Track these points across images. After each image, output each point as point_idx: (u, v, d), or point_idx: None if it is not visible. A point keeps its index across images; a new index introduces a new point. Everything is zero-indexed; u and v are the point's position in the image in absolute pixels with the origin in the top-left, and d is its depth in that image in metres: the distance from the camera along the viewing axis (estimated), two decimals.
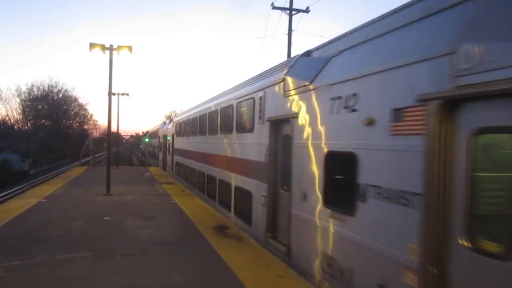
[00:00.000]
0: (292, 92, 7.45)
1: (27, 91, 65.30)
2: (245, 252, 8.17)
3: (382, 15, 5.68)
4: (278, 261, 7.55)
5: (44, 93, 67.67)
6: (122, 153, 44.43)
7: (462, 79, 3.76)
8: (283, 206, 8.03)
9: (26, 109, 64.44)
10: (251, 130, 9.84)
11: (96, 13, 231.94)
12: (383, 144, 4.81)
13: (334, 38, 6.99)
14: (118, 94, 32.73)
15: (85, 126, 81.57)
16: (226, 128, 12.24)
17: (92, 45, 15.70)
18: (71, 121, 75.88)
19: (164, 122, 38.82)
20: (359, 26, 6.27)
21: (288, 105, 7.60)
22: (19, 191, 22.72)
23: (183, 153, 20.88)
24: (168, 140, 27.64)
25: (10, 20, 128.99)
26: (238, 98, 11.12)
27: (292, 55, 16.86)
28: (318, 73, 6.65)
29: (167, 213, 12.34)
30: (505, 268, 3.29)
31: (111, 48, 15.93)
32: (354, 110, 5.47)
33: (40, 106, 66.77)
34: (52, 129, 65.46)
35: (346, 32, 6.66)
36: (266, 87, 8.92)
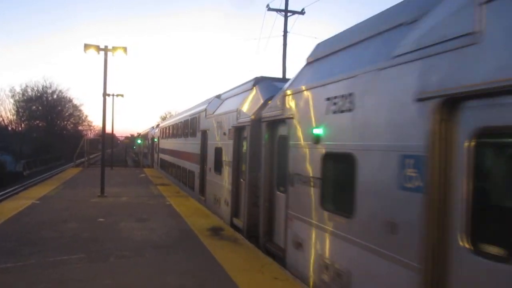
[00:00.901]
0: (208, 116, 14.50)
1: (21, 92, 64.94)
2: (240, 254, 8.16)
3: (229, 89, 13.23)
4: (273, 263, 7.55)
5: (39, 94, 67.31)
6: (116, 154, 44.26)
7: None
8: (207, 177, 14.42)
9: (20, 110, 63.98)
10: (194, 135, 17.16)
11: (93, 13, 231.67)
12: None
13: (226, 90, 14.27)
14: (113, 95, 32.64)
15: (80, 127, 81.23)
16: (184, 134, 20.18)
17: (86, 46, 15.65)
18: (65, 122, 75.51)
19: (153, 127, 45.02)
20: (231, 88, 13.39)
21: (207, 123, 14.59)
22: (12, 193, 22.52)
23: (163, 150, 29.29)
24: (155, 141, 35.62)
25: (7, 20, 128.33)
26: (190, 116, 18.75)
27: (287, 56, 20.61)
28: (217, 108, 13.65)
29: (162, 215, 12.31)
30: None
31: (105, 49, 15.88)
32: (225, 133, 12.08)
33: (34, 107, 66.37)
34: (47, 130, 65.10)
35: (231, 88, 13.58)
36: (200, 112, 16.12)
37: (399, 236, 4.33)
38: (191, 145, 17.78)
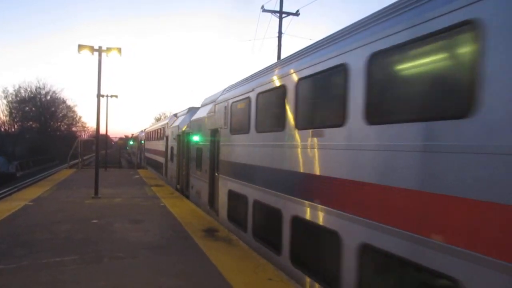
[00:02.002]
0: (168, 127, 23.78)
1: (14, 93, 64.55)
2: (234, 255, 8.16)
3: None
4: (267, 264, 7.56)
5: (32, 95, 66.99)
6: (110, 155, 44.08)
7: None
8: (168, 164, 24.06)
9: (13, 110, 63.69)
10: (162, 139, 26.50)
11: (90, 14, 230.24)
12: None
13: (178, 112, 23.87)
14: (107, 96, 32.48)
15: (74, 128, 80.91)
16: (158, 137, 29.51)
17: (80, 47, 15.59)
18: (59, 123, 75.13)
19: (142, 131, 51.50)
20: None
21: (168, 131, 23.96)
22: (5, 194, 22.34)
23: (147, 150, 38.60)
24: (142, 143, 45.68)
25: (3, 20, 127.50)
26: (160, 126, 28.66)
27: (282, 57, 20.73)
28: (172, 123, 22.93)
29: (156, 216, 12.27)
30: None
31: (100, 50, 15.82)
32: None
33: (27, 108, 66.04)
34: (40, 131, 64.69)
35: (180, 111, 22.98)
36: (164, 124, 26.10)
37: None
38: (161, 145, 27.35)
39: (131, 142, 64.94)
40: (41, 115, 67.37)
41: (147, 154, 37.98)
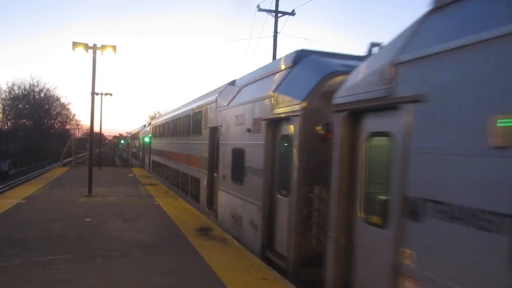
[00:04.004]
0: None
1: (7, 90, 64.01)
2: (228, 254, 8.14)
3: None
4: (261, 263, 7.55)
5: (26, 92, 66.44)
6: (104, 154, 43.86)
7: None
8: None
9: (6, 108, 63.12)
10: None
11: (85, 13, 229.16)
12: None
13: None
14: (102, 94, 32.31)
15: (68, 126, 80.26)
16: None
17: (75, 44, 15.48)
18: (53, 121, 74.57)
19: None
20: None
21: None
22: None
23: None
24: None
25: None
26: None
27: (277, 57, 19.22)
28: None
29: (150, 215, 12.22)
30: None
31: (94, 47, 15.72)
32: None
33: (21, 105, 65.49)
34: (33, 129, 64.21)
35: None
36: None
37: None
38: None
39: (122, 141, 64.01)
40: (34, 112, 66.86)
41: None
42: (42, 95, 69.28)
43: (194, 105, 15.80)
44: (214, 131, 12.19)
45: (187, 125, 16.65)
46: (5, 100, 63.16)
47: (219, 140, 11.46)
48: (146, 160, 33.01)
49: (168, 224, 10.91)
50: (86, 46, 15.62)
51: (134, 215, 12.01)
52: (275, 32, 22.27)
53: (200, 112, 14.25)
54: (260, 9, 22.16)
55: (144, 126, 41.01)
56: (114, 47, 15.87)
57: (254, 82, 9.96)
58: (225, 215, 10.57)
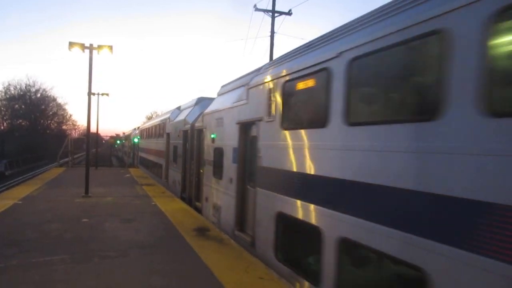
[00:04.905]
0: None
1: (3, 90, 63.71)
2: (225, 254, 8.16)
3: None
4: (258, 262, 7.58)
5: (22, 93, 66.06)
6: (101, 154, 43.78)
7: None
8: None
9: (2, 108, 62.81)
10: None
11: (83, 14, 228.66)
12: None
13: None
14: (98, 94, 32.22)
15: (64, 127, 79.89)
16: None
17: (71, 44, 15.44)
18: (49, 121, 74.21)
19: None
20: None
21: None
22: None
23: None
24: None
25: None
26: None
27: (274, 56, 20.48)
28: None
29: (147, 215, 12.22)
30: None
31: (90, 47, 15.69)
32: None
33: (17, 105, 65.15)
34: (30, 129, 63.95)
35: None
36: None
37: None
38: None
39: (118, 142, 71.77)
40: (31, 113, 66.51)
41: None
42: (39, 95, 68.96)
43: (161, 118, 25.62)
44: (168, 135, 20.88)
45: (157, 131, 25.34)
46: (1, 100, 62.90)
47: (170, 140, 20.41)
48: (136, 156, 41.20)
49: (165, 224, 10.91)
50: (83, 46, 15.59)
51: (132, 216, 12.01)
52: (272, 32, 22.28)
53: (163, 123, 23.20)
54: (256, 9, 22.15)
55: (135, 129, 50.02)
56: (110, 47, 15.84)
57: (182, 110, 19.15)
58: (173, 182, 19.17)
